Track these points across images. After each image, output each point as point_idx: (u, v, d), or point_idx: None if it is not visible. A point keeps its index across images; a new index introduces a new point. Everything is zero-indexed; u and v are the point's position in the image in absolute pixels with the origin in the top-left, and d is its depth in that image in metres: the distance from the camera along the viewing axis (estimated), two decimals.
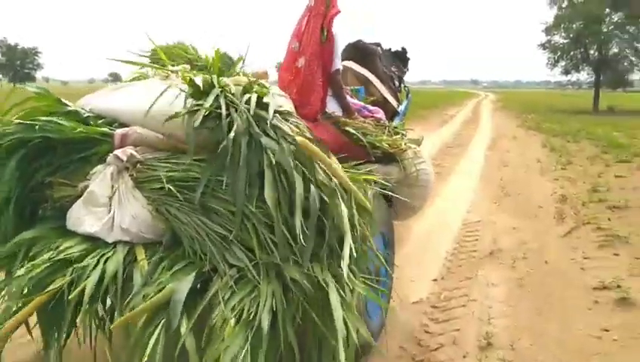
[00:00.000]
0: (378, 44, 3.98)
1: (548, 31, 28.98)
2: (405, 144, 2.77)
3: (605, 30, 27.26)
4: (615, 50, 28.12)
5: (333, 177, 1.78)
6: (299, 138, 1.78)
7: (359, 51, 3.71)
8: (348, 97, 2.93)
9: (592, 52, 28.41)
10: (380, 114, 3.12)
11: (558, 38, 29.19)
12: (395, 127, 2.97)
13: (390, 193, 2.36)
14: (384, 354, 2.09)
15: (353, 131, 2.60)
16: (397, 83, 4.10)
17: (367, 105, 3.15)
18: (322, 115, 2.68)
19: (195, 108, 1.78)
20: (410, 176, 2.71)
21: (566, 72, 29.61)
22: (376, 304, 2.18)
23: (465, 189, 6.71)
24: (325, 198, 1.69)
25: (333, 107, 2.78)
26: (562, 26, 28.10)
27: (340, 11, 2.62)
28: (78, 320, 1.72)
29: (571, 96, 40.06)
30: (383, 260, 2.03)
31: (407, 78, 4.33)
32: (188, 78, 1.91)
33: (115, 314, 1.63)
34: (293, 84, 2.61)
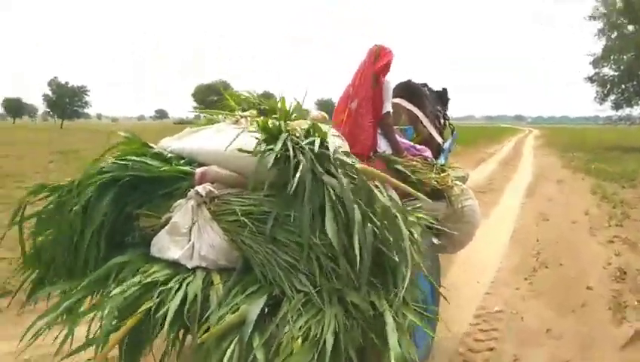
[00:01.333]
0: (425, 85, 4.22)
1: (596, 63, 27.31)
2: (452, 181, 2.93)
3: None
4: None
5: (394, 200, 2.00)
6: (358, 165, 2.02)
7: (409, 90, 3.95)
8: (397, 137, 3.17)
9: None
10: (428, 152, 3.31)
11: (608, 71, 27.53)
12: (442, 165, 3.16)
13: (438, 227, 2.49)
14: None
15: (403, 169, 2.81)
16: (442, 121, 4.30)
17: (415, 145, 3.36)
18: (373, 153, 2.93)
19: (267, 150, 2.02)
20: (457, 212, 2.86)
21: (617, 107, 27.71)
22: (424, 333, 2.31)
23: (489, 255, 5.19)
24: (381, 225, 1.89)
25: (383, 146, 3.03)
26: (612, 57, 26.60)
27: (390, 60, 2.97)
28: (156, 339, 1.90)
29: (622, 132, 36.72)
30: (434, 286, 2.25)
31: (449, 113, 4.51)
32: (262, 123, 2.18)
33: (193, 332, 1.80)
34: (345, 124, 2.91)
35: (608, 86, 27.17)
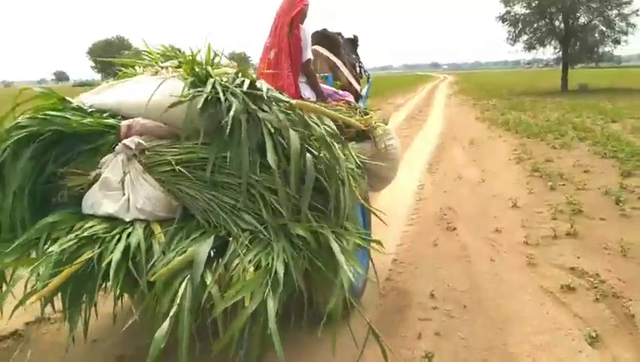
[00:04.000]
0: (339, 33, 4.27)
1: (507, 1, 25.18)
2: (375, 122, 3.04)
3: None
4: (583, 19, 24.34)
5: (330, 126, 2.10)
6: (293, 101, 2.07)
7: (325, 39, 3.99)
8: (320, 83, 3.24)
9: (557, 23, 24.70)
10: (350, 97, 3.43)
11: (519, 9, 25.30)
12: (365, 108, 3.27)
13: (366, 166, 2.60)
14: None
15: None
16: (358, 69, 4.41)
17: (338, 90, 3.47)
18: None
19: (197, 93, 1.99)
20: (381, 151, 2.98)
21: (529, 47, 25.66)
22: (363, 256, 2.47)
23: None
24: (319, 154, 1.97)
25: (307, 94, 3.09)
26: None
27: (305, 8, 3.04)
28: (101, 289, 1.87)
29: (535, 75, 36.95)
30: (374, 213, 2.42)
31: (368, 63, 4.66)
32: (188, 68, 2.15)
33: (141, 280, 1.77)
34: (266, 74, 2.93)
35: (520, 25, 25.35)
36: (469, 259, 3.67)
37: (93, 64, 60.91)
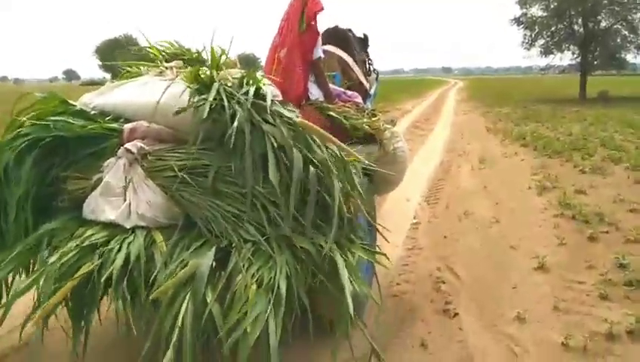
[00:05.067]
0: (349, 30, 4.20)
1: (522, 2, 23.04)
2: (383, 125, 2.97)
3: None
4: (605, 23, 22.19)
5: (331, 150, 2.02)
6: (297, 119, 2.02)
7: (337, 36, 3.92)
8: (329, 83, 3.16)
9: (576, 27, 22.51)
10: (358, 98, 3.36)
11: (536, 11, 23.09)
12: (373, 110, 3.19)
13: (372, 170, 2.51)
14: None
15: (335, 115, 2.82)
16: (367, 67, 4.35)
17: (346, 91, 3.39)
18: (305, 101, 2.91)
19: (201, 102, 1.95)
20: (389, 155, 2.92)
21: (546, 52, 23.34)
22: (367, 266, 2.37)
23: None
24: (322, 174, 1.91)
25: (315, 93, 3.02)
26: None
27: (323, 8, 2.92)
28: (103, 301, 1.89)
29: (549, 82, 34.08)
30: (375, 226, 2.34)
31: (379, 67, 4.59)
32: (192, 73, 2.11)
33: (141, 292, 1.74)
34: (275, 73, 2.81)
35: (537, 29, 23.06)
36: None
37: (100, 63, 60.53)
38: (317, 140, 2.01)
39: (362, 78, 3.97)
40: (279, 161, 1.89)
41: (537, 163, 7.27)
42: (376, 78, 4.53)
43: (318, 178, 1.89)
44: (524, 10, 23.23)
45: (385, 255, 2.16)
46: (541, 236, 4.17)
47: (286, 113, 2.02)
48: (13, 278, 1.93)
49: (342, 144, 2.12)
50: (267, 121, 1.95)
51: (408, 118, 14.88)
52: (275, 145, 1.89)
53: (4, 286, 2.00)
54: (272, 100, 2.03)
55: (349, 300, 1.70)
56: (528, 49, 23.57)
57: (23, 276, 1.96)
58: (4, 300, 1.93)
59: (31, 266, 2.02)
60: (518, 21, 23.42)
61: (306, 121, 2.06)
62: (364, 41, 4.42)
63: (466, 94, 30.39)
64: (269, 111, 1.97)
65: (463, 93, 31.66)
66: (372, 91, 4.19)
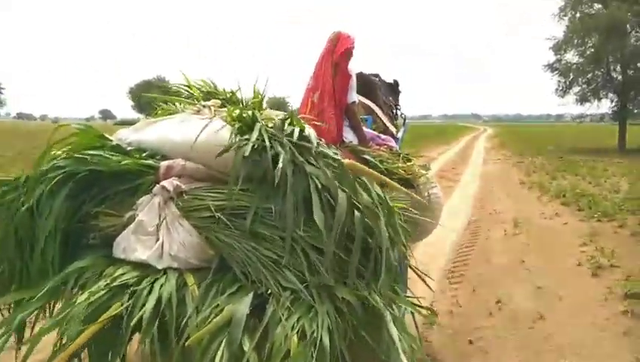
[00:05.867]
0: (377, 75, 4.17)
1: (557, 48, 21.91)
2: (418, 169, 2.92)
3: (632, 42, 20.45)
4: None
5: (377, 194, 1.95)
6: (345, 160, 1.96)
7: (361, 82, 3.83)
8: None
9: (614, 74, 21.52)
10: (392, 142, 3.32)
11: (571, 57, 22.02)
12: (407, 154, 3.12)
13: (411, 217, 2.44)
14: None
15: (371, 158, 2.77)
16: (394, 111, 4.30)
17: (380, 134, 3.37)
18: (340, 144, 2.86)
19: (243, 142, 1.90)
20: (424, 200, 2.81)
21: (582, 100, 22.08)
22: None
23: None
24: (368, 220, 1.82)
25: (349, 137, 3.00)
26: (575, 40, 21.35)
27: (350, 48, 2.90)
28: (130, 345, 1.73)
29: (583, 131, 31.91)
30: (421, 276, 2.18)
31: (407, 112, 4.53)
32: (235, 112, 2.09)
33: (172, 337, 1.65)
34: (308, 117, 2.76)
35: (572, 75, 21.91)
36: None
37: (133, 103, 61.76)
38: (364, 183, 1.95)
39: (388, 123, 3.93)
40: (323, 202, 1.81)
41: (585, 228, 6.06)
42: (404, 123, 4.49)
43: (363, 223, 1.80)
44: (559, 57, 22.37)
45: (433, 310, 2.02)
46: (608, 348, 3.04)
47: (331, 154, 1.97)
48: (37, 317, 1.85)
49: (394, 183, 2.09)
50: (310, 163, 1.90)
51: (433, 166, 13.31)
52: (320, 186, 1.83)
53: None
54: (317, 142, 1.98)
55: (404, 359, 1.59)
56: (562, 96, 22.55)
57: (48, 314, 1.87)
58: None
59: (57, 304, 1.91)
60: (552, 67, 22.44)
61: (354, 162, 2.01)
62: (393, 87, 4.40)
63: (497, 142, 29.31)
64: (313, 152, 1.92)
65: (493, 141, 30.64)
66: (399, 135, 4.13)
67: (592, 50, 21.03)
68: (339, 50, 2.90)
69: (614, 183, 9.89)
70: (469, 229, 6.33)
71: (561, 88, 22.30)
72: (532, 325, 3.39)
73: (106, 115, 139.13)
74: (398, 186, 2.09)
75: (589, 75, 21.80)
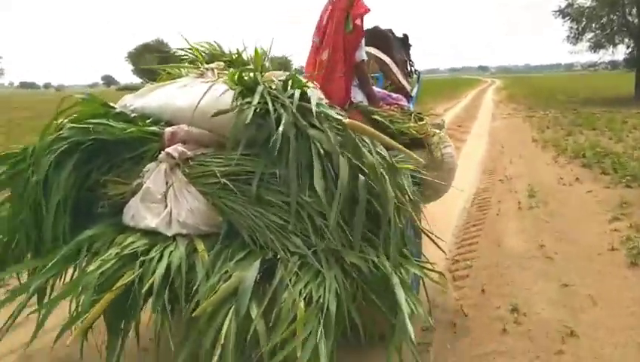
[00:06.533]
0: (390, 30, 4.07)
1: None
2: (430, 129, 2.83)
3: None
4: None
5: (381, 154, 1.91)
6: (346, 120, 1.92)
7: (377, 37, 3.77)
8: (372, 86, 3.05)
9: (630, 18, 19.53)
10: (404, 101, 3.26)
11: (584, 0, 20.07)
12: (419, 113, 3.03)
13: (422, 177, 2.40)
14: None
15: (381, 119, 2.70)
16: (408, 68, 4.19)
17: (391, 93, 3.28)
18: (349, 104, 2.80)
19: (245, 105, 1.87)
20: (437, 160, 2.77)
21: (596, 46, 20.26)
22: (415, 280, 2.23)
23: None
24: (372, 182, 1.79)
25: (359, 97, 2.91)
26: None
27: (369, 10, 2.82)
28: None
29: (595, 80, 29.95)
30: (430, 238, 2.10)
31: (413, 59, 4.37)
32: (236, 74, 2.03)
33: (182, 304, 1.66)
34: (317, 76, 2.68)
35: (584, 21, 20.00)
36: None
37: (133, 68, 60.91)
38: (367, 144, 1.91)
39: (403, 80, 3.83)
40: (325, 169, 1.80)
41: (613, 197, 4.98)
42: (418, 80, 4.39)
43: (367, 186, 1.78)
44: (570, 1, 20.48)
45: (441, 273, 1.98)
46: None
47: (333, 115, 1.93)
48: (53, 285, 1.88)
49: (398, 145, 2.03)
50: (313, 125, 1.87)
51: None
52: (322, 151, 1.80)
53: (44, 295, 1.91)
54: (318, 103, 1.94)
55: (409, 325, 1.58)
56: (575, 43, 20.74)
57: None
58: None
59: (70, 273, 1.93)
60: (562, 13, 20.60)
61: (356, 122, 1.97)
62: (404, 42, 4.27)
63: (505, 94, 27.60)
64: (314, 114, 1.88)
65: (502, 94, 28.79)
66: (414, 93, 4.02)
67: None
68: (359, 10, 2.81)
69: (636, 137, 8.84)
70: (476, 203, 5.34)
71: (573, 35, 20.66)
72: (560, 347, 2.50)
73: (108, 80, 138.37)
74: (400, 147, 2.04)
75: (604, 20, 19.94)
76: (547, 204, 5.07)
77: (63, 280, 1.92)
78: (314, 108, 1.89)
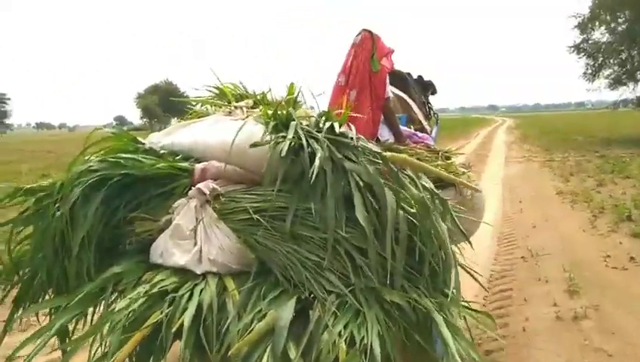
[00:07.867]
0: (408, 74, 4.13)
1: (583, 27, 19.05)
2: (458, 168, 2.82)
3: None
4: None
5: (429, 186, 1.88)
6: (387, 153, 1.87)
7: (397, 78, 3.80)
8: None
9: None
10: (430, 140, 3.24)
11: (600, 36, 19.20)
12: (446, 152, 3.02)
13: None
14: None
15: (409, 158, 2.68)
16: (427, 109, 4.23)
17: (417, 132, 3.29)
18: (376, 142, 2.76)
19: (279, 139, 1.85)
20: (466, 200, 2.73)
21: (616, 83, 19.20)
22: None
23: None
24: (414, 220, 1.73)
25: (385, 133, 2.93)
26: (604, 16, 18.51)
27: (393, 50, 2.91)
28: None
29: (608, 118, 29.09)
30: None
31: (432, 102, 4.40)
32: (270, 110, 2.04)
33: (215, 343, 1.61)
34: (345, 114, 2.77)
35: (601, 57, 19.08)
36: None
37: (141, 110, 60.70)
38: (409, 177, 1.87)
39: (423, 121, 3.85)
40: (365, 200, 1.74)
41: None
42: (437, 122, 4.40)
43: (410, 221, 1.72)
44: (585, 36, 19.55)
45: (490, 316, 1.88)
46: None
47: (372, 148, 1.88)
48: (76, 324, 1.83)
49: (449, 175, 2.01)
50: (349, 159, 1.83)
51: None
52: (361, 183, 1.75)
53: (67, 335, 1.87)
54: (357, 135, 1.91)
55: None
56: (592, 80, 19.65)
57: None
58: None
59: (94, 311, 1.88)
60: (578, 48, 19.61)
61: (397, 154, 1.92)
62: (423, 85, 4.35)
63: (518, 134, 26.51)
64: (353, 145, 1.85)
65: (514, 134, 27.62)
66: (433, 134, 4.01)
67: (624, 26, 18.39)
68: (383, 51, 2.88)
69: None
70: (491, 300, 3.72)
71: (590, 72, 19.58)
72: None
73: (121, 120, 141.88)
74: (452, 177, 1.99)
75: (623, 55, 18.87)
76: (598, 307, 3.43)
77: (84, 320, 1.86)
78: (353, 141, 1.86)
